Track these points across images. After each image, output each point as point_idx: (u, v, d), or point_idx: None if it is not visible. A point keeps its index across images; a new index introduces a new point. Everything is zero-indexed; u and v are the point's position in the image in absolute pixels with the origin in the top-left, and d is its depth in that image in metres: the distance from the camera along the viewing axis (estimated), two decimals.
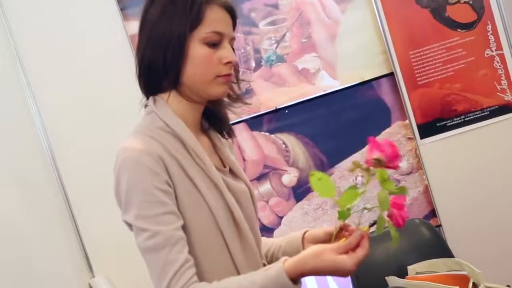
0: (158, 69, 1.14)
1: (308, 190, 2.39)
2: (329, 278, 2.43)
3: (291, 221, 2.40)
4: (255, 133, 2.38)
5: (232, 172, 1.23)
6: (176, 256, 1.03)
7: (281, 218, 2.40)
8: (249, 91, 2.36)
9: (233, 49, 1.19)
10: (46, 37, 2.40)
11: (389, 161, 1.08)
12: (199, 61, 1.12)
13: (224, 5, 1.15)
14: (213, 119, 1.26)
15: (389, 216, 1.07)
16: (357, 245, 1.06)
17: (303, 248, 1.25)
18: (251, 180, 2.38)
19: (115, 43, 2.39)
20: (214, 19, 1.13)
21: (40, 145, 2.40)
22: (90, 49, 2.39)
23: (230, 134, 1.29)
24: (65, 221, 2.44)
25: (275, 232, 2.40)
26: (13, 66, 2.37)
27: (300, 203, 2.40)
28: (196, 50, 1.12)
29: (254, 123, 2.37)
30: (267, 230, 2.40)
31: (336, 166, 2.40)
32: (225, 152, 1.24)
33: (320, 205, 2.39)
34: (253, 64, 2.38)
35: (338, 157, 2.40)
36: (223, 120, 1.27)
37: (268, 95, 2.38)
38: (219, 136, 1.27)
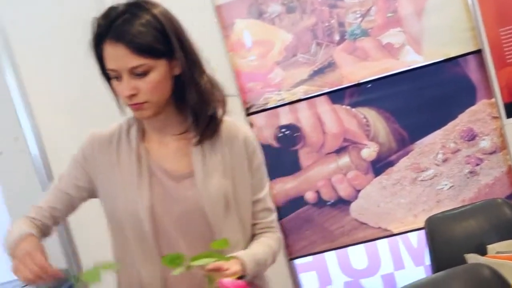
0: None
1: (387, 165, 2.40)
2: (404, 253, 2.45)
3: (369, 195, 2.42)
4: (336, 106, 2.41)
5: (192, 177, 1.28)
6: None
7: (358, 191, 2.43)
8: (331, 64, 2.38)
9: (151, 73, 1.20)
10: None
11: None
12: (114, 90, 1.27)
13: (113, 38, 1.19)
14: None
15: None
16: None
17: None
18: (330, 153, 2.43)
19: None
20: (106, 57, 1.21)
21: None
22: None
23: (200, 140, 1.28)
24: None
25: (352, 206, 2.44)
26: None
27: (378, 177, 2.41)
28: (111, 81, 1.26)
29: (336, 96, 2.39)
30: (343, 203, 2.44)
31: (417, 142, 2.38)
32: (196, 156, 1.28)
33: (399, 180, 2.40)
34: (337, 38, 2.39)
35: (419, 133, 2.38)
36: (198, 126, 1.28)
37: (351, 69, 2.39)
38: (211, 139, 1.29)
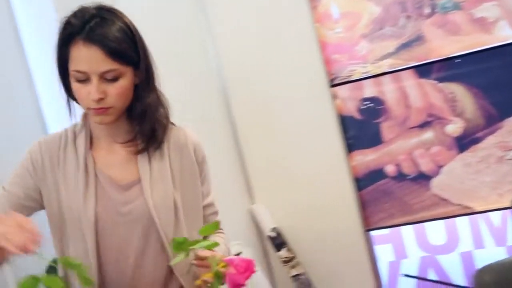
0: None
1: (473, 142, 2.35)
2: (485, 232, 2.41)
3: (452, 171, 2.39)
4: (423, 80, 2.37)
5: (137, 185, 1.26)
6: None
7: (440, 167, 2.41)
8: (419, 38, 2.35)
9: (121, 78, 1.19)
10: None
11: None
12: (74, 93, 1.22)
13: (88, 40, 1.16)
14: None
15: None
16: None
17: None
18: (413, 127, 2.41)
19: None
20: (76, 57, 1.17)
21: (212, 74, 2.61)
22: None
23: (144, 148, 1.28)
24: (231, 149, 2.65)
25: (433, 181, 2.42)
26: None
27: (462, 154, 2.37)
28: (72, 83, 1.21)
29: (423, 70, 2.36)
30: (424, 178, 2.43)
31: (506, 120, 2.31)
32: (143, 164, 1.27)
33: (485, 158, 2.34)
34: (427, 11, 2.34)
35: (509, 111, 2.31)
36: (142, 135, 1.28)
37: (440, 43, 2.34)
38: (159, 148, 1.29)
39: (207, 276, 1.13)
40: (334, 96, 2.49)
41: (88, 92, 1.18)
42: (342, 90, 2.48)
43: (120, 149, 1.30)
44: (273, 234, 2.56)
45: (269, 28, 2.53)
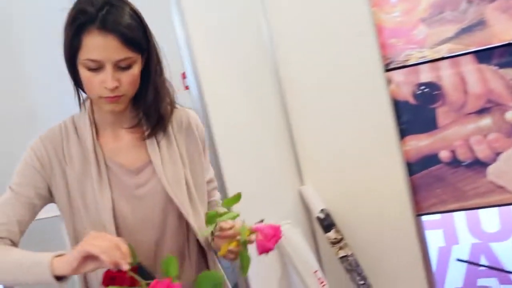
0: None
1: None
2: None
3: (509, 159, 2.34)
4: (482, 66, 2.32)
5: (146, 169, 1.28)
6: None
7: (498, 154, 2.37)
8: (481, 23, 2.28)
9: (134, 66, 1.18)
10: None
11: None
12: (84, 82, 1.20)
13: (104, 29, 1.14)
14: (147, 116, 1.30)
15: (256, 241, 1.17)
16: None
17: (213, 241, 1.31)
18: (470, 113, 2.37)
19: None
20: (89, 46, 1.15)
21: (265, 55, 2.61)
22: None
23: (152, 133, 1.30)
24: (282, 130, 2.66)
25: (490, 168, 2.38)
26: None
27: None
28: (81, 73, 1.19)
29: (483, 56, 2.30)
30: (480, 164, 2.39)
31: None
32: (152, 147, 1.29)
33: None
34: None
35: None
36: (149, 118, 1.29)
37: (503, 28, 2.27)
38: (163, 131, 1.31)
39: (232, 245, 1.19)
40: (389, 81, 2.47)
41: (101, 80, 1.17)
42: (397, 75, 2.45)
43: (126, 134, 1.31)
44: (322, 215, 2.58)
45: (324, 11, 2.51)
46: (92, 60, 1.16)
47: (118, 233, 1.24)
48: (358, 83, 2.51)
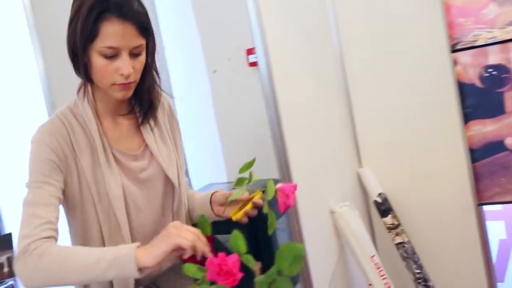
0: (75, 68, 1.25)
1: None
2: None
3: None
4: None
5: (146, 153, 1.34)
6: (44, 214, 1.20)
7: None
8: None
9: (143, 53, 1.22)
10: None
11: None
12: (97, 69, 1.21)
13: (122, 16, 1.14)
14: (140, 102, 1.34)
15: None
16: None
17: (212, 210, 1.36)
18: None
19: None
20: (108, 34, 1.16)
21: (331, 42, 2.60)
22: None
23: (145, 118, 1.36)
24: (343, 110, 2.64)
25: None
26: None
27: None
28: (95, 60, 1.20)
29: None
30: None
31: None
32: (147, 133, 1.34)
33: None
34: None
35: None
36: (142, 105, 1.35)
37: None
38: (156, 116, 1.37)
39: (248, 208, 1.28)
40: (455, 62, 2.37)
41: (117, 67, 1.20)
42: (463, 56, 2.35)
43: (123, 121, 1.37)
44: (379, 199, 2.54)
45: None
46: (110, 47, 1.18)
47: (128, 217, 1.31)
48: (423, 64, 2.44)
